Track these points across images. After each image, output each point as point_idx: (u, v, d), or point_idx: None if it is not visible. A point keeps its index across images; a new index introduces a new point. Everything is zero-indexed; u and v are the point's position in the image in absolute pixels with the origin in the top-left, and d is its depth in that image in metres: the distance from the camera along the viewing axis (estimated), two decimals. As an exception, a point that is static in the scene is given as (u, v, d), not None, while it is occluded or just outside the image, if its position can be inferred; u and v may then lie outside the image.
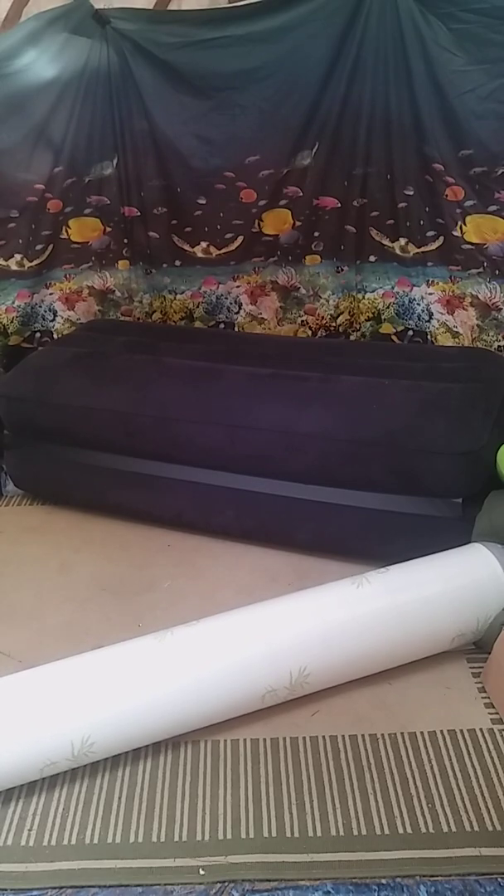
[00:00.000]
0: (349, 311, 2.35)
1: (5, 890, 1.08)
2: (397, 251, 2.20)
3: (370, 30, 1.87)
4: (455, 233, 2.05)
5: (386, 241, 2.20)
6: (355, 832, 1.15)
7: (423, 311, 2.25)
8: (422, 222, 2.11)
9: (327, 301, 2.32)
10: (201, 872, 1.10)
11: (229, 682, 1.28)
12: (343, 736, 1.32)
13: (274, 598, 1.42)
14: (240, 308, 2.40)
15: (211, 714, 1.30)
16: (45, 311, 2.36)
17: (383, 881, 1.07)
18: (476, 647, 1.50)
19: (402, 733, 1.32)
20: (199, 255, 2.32)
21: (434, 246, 2.13)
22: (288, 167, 2.12)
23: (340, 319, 2.35)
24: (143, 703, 1.25)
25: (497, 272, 2.04)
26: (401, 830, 1.15)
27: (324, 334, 2.38)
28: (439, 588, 1.40)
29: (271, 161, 2.11)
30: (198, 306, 2.42)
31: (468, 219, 2.01)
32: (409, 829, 1.15)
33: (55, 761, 1.20)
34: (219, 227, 2.25)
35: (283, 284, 2.35)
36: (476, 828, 1.14)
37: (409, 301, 2.26)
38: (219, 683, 1.28)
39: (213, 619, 1.37)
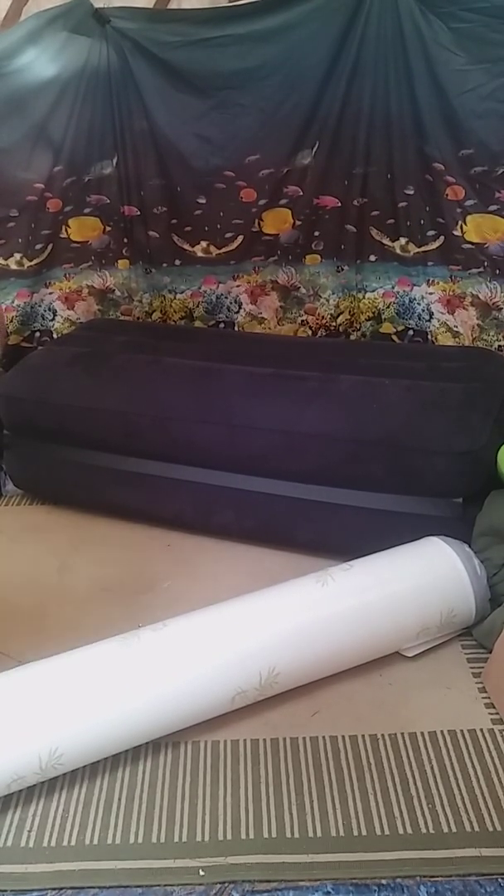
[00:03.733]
0: (349, 311, 2.35)
1: (5, 891, 1.08)
2: (398, 251, 2.20)
3: (370, 29, 1.87)
4: (455, 232, 2.05)
5: (386, 241, 2.20)
6: (355, 832, 1.14)
7: (423, 310, 2.24)
8: (422, 222, 2.11)
9: (327, 301, 2.32)
10: (201, 873, 1.10)
11: (198, 687, 1.27)
12: (343, 736, 1.31)
13: (240, 595, 1.42)
14: (240, 307, 2.40)
15: (180, 719, 1.28)
16: (45, 311, 2.36)
17: (383, 882, 1.07)
18: (479, 648, 1.50)
19: (402, 733, 1.32)
20: (199, 254, 2.32)
21: (434, 245, 2.13)
22: (288, 166, 2.12)
23: (340, 319, 2.35)
24: (111, 710, 1.23)
25: (497, 272, 2.04)
26: (401, 831, 1.14)
27: (324, 334, 2.38)
28: (404, 585, 1.42)
29: (271, 160, 2.11)
30: (198, 306, 2.42)
31: (468, 218, 2.01)
32: (409, 830, 1.14)
33: (22, 776, 1.18)
34: (219, 226, 2.25)
35: (283, 284, 2.35)
36: (476, 828, 1.14)
37: (410, 301, 2.26)
38: (187, 688, 1.27)
39: (180, 619, 1.36)
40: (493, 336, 2.13)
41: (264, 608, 1.38)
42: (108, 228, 2.30)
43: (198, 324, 2.44)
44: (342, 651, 1.38)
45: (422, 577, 1.44)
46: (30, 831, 1.17)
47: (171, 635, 1.33)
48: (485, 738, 1.30)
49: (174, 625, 1.35)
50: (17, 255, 2.21)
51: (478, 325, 2.14)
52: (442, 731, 1.32)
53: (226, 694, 1.29)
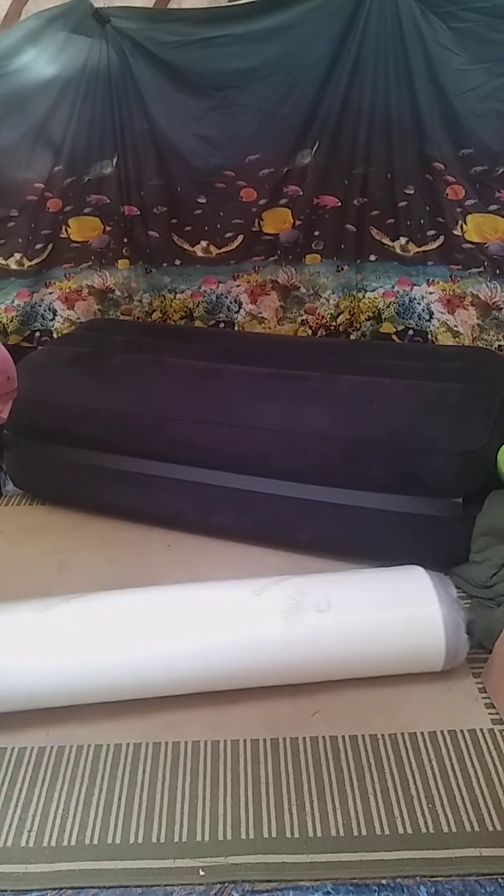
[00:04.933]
0: (349, 311, 2.35)
1: (5, 891, 1.08)
2: (398, 250, 2.20)
3: (370, 29, 1.87)
4: (455, 232, 2.04)
5: (386, 241, 2.20)
6: (355, 832, 1.14)
7: (423, 310, 2.24)
8: (422, 221, 2.11)
9: (327, 300, 2.32)
10: (201, 873, 1.10)
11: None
12: (343, 736, 1.31)
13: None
14: (240, 307, 2.40)
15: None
16: (45, 311, 2.36)
17: (383, 881, 1.07)
18: (479, 648, 1.50)
19: (402, 733, 1.32)
20: (199, 254, 2.32)
21: (434, 245, 2.13)
22: (288, 166, 2.12)
23: (341, 319, 2.35)
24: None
25: (497, 271, 2.04)
26: (401, 831, 1.15)
27: (324, 334, 2.38)
28: (377, 640, 1.36)
29: (271, 160, 2.11)
30: (198, 305, 2.41)
31: (469, 218, 2.01)
32: (409, 830, 1.15)
33: None
34: (219, 226, 2.25)
35: (283, 284, 2.35)
36: (476, 828, 1.14)
37: (410, 300, 2.26)
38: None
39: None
40: (493, 336, 2.13)
41: (225, 646, 1.34)
42: (108, 228, 2.30)
43: (198, 324, 2.44)
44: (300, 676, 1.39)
45: (396, 634, 1.36)
46: (30, 831, 1.17)
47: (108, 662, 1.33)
48: (485, 738, 1.30)
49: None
50: (17, 255, 2.21)
51: (478, 324, 2.14)
52: (442, 731, 1.32)
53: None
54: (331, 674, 1.39)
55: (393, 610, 1.38)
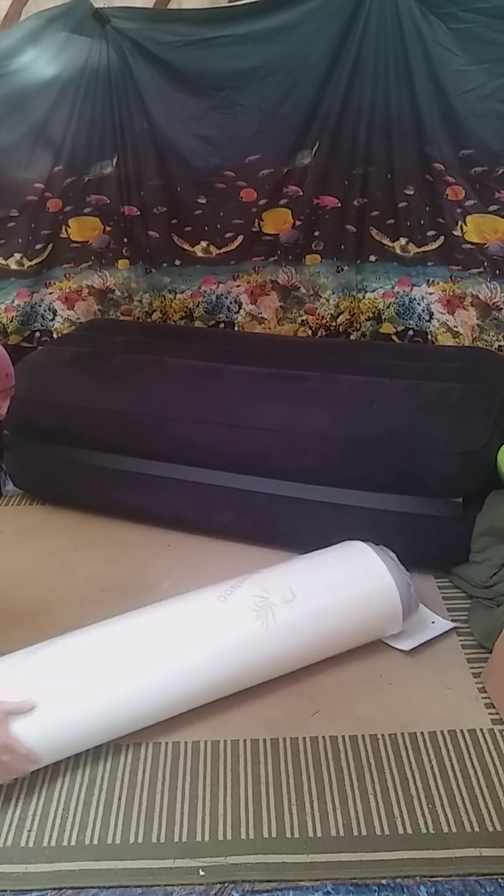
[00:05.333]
0: (349, 311, 2.35)
1: (5, 891, 1.08)
2: (398, 251, 2.20)
3: (370, 29, 1.87)
4: (455, 232, 2.05)
5: (386, 241, 2.20)
6: (355, 832, 1.14)
7: (423, 310, 2.24)
8: (422, 222, 2.11)
9: (327, 301, 2.32)
10: (201, 873, 1.10)
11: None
12: (343, 736, 1.31)
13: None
14: (240, 307, 2.40)
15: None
16: (45, 311, 2.36)
17: (383, 882, 1.07)
18: (479, 648, 1.50)
19: (402, 733, 1.32)
20: (199, 254, 2.32)
21: (434, 245, 2.13)
22: (288, 166, 2.12)
23: (341, 319, 2.35)
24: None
25: (497, 272, 2.04)
26: (401, 831, 1.14)
27: (324, 334, 2.38)
28: (340, 616, 1.42)
29: (271, 160, 2.11)
30: (198, 306, 2.42)
31: (469, 218, 2.01)
32: (409, 830, 1.15)
33: None
34: (219, 226, 2.25)
35: (283, 284, 2.35)
36: (476, 828, 1.14)
37: (410, 301, 2.26)
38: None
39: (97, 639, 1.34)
40: (493, 336, 2.13)
41: (199, 649, 1.33)
42: (108, 228, 2.30)
43: (198, 324, 2.44)
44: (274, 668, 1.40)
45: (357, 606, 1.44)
46: (30, 831, 1.17)
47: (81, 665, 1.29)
48: (485, 738, 1.30)
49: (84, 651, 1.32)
50: (17, 255, 2.21)
51: (478, 325, 2.14)
52: (442, 731, 1.32)
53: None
54: (311, 657, 1.43)
55: (351, 588, 1.45)
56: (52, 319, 2.37)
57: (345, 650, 1.47)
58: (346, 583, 1.45)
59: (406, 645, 1.50)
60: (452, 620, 1.58)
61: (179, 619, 1.39)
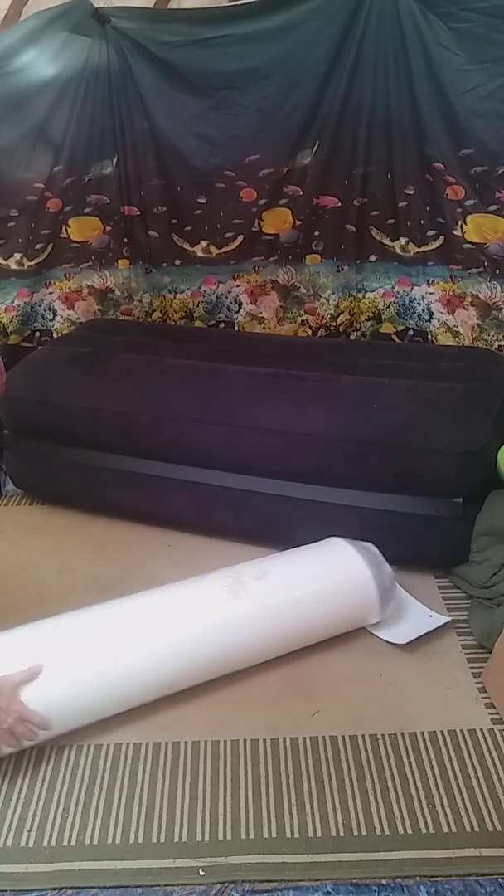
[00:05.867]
0: (349, 311, 2.35)
1: (5, 891, 1.08)
2: (398, 250, 2.20)
3: (370, 29, 1.87)
4: (455, 232, 2.05)
5: (386, 241, 2.20)
6: (355, 832, 1.14)
7: (423, 310, 2.24)
8: (422, 221, 2.11)
9: (327, 300, 2.32)
10: (201, 873, 1.10)
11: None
12: (343, 736, 1.31)
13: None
14: (240, 307, 2.40)
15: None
16: (45, 311, 2.36)
17: (383, 882, 1.07)
18: (479, 647, 1.50)
19: (402, 733, 1.32)
20: (199, 254, 2.32)
21: (434, 245, 2.13)
22: (288, 166, 2.12)
23: (341, 319, 2.35)
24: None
25: (497, 272, 2.04)
26: (401, 831, 1.14)
27: (324, 334, 2.38)
28: (313, 594, 1.46)
29: (271, 160, 2.11)
30: (198, 305, 2.41)
31: (469, 218, 2.01)
32: (409, 830, 1.14)
33: None
34: (219, 226, 2.25)
35: (283, 284, 2.35)
36: (476, 828, 1.14)
37: (410, 300, 2.26)
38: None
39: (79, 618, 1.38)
40: (493, 336, 2.13)
41: (173, 622, 1.39)
42: (108, 228, 2.30)
43: (198, 324, 2.44)
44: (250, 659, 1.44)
45: (337, 595, 1.49)
46: (30, 831, 1.17)
47: (70, 641, 1.33)
48: (485, 738, 1.30)
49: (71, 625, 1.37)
50: (17, 255, 2.21)
51: (478, 325, 2.14)
52: (442, 731, 1.32)
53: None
54: (289, 636, 1.46)
55: (322, 565, 1.52)
56: (52, 319, 2.37)
57: (323, 626, 1.48)
58: (316, 560, 1.53)
59: (401, 638, 1.49)
60: (452, 620, 1.58)
61: (167, 599, 1.44)
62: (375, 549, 1.53)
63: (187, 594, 1.45)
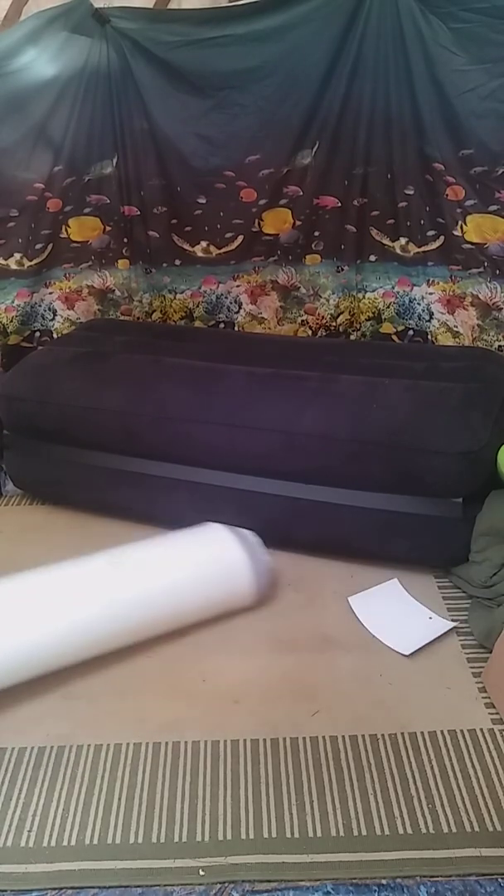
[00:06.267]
0: (349, 311, 2.35)
1: (5, 891, 1.08)
2: (398, 251, 2.20)
3: (370, 29, 1.87)
4: (455, 232, 2.05)
5: (386, 241, 2.20)
6: (355, 832, 1.14)
7: (423, 310, 2.24)
8: (422, 222, 2.11)
9: (327, 301, 2.32)
10: (201, 873, 1.10)
11: None
12: (343, 736, 1.31)
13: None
14: (240, 307, 2.40)
15: None
16: (45, 311, 2.36)
17: (383, 882, 1.07)
18: (479, 647, 1.50)
19: (402, 733, 1.32)
20: (199, 254, 2.32)
21: (434, 245, 2.13)
22: (288, 166, 2.12)
23: (341, 319, 2.35)
24: None
25: (497, 272, 2.04)
26: (401, 831, 1.14)
27: (324, 334, 2.38)
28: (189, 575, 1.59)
29: (271, 160, 2.11)
30: (198, 306, 2.41)
31: (469, 218, 2.01)
32: (409, 830, 1.15)
33: None
34: (219, 226, 2.25)
35: (283, 284, 2.35)
36: (476, 828, 1.14)
37: (410, 301, 2.26)
38: None
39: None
40: (493, 336, 2.13)
41: (58, 603, 1.48)
42: (108, 228, 2.30)
43: (198, 324, 2.44)
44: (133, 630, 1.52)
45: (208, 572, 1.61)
46: (30, 831, 1.17)
47: None
48: (485, 738, 1.30)
49: None
50: (17, 255, 2.21)
51: (478, 325, 2.14)
52: (442, 731, 1.32)
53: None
54: (167, 614, 1.55)
55: (193, 536, 1.65)
56: (52, 319, 2.37)
57: (199, 605, 1.57)
58: (195, 543, 1.65)
59: (406, 648, 1.49)
60: (452, 620, 1.58)
61: (51, 577, 1.56)
62: (253, 536, 1.63)
63: (72, 573, 1.54)
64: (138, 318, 2.46)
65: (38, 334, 2.37)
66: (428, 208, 2.07)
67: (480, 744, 1.29)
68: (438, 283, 2.18)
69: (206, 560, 1.61)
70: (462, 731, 1.32)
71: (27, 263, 2.23)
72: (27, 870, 1.11)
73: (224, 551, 1.60)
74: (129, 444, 1.86)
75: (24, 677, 1.40)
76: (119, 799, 1.22)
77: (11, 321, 2.28)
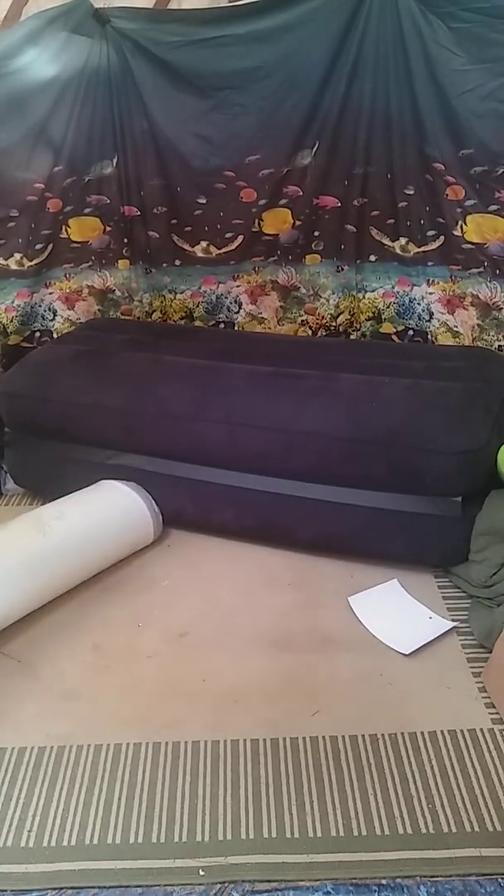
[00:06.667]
0: (349, 311, 2.35)
1: (5, 891, 1.08)
2: (398, 251, 2.20)
3: (370, 29, 1.87)
4: (455, 232, 2.04)
5: (386, 241, 2.20)
6: (355, 832, 1.14)
7: (423, 310, 2.24)
8: (422, 222, 2.11)
9: (327, 301, 2.32)
10: (201, 873, 1.10)
11: None
12: (343, 736, 1.31)
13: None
14: (240, 308, 2.40)
15: None
16: (45, 311, 2.36)
17: (383, 882, 1.07)
18: (479, 647, 1.50)
19: (402, 733, 1.32)
20: (199, 254, 2.32)
21: (434, 245, 2.13)
22: (288, 166, 2.12)
23: (341, 319, 2.35)
24: None
25: (497, 272, 2.04)
26: (401, 831, 1.14)
27: (324, 334, 2.37)
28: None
29: (271, 160, 2.11)
30: (198, 306, 2.41)
31: (469, 218, 2.01)
32: (409, 830, 1.15)
33: None
34: (219, 226, 2.25)
35: (283, 284, 2.35)
36: (476, 828, 1.14)
37: (410, 301, 2.26)
38: None
39: None
40: (493, 336, 2.13)
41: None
42: (108, 228, 2.30)
43: (198, 324, 2.44)
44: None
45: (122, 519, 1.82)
46: (30, 831, 1.17)
47: None
48: (485, 738, 1.30)
49: None
50: (17, 255, 2.21)
51: (478, 325, 2.14)
52: (442, 731, 1.32)
53: None
54: (91, 557, 1.74)
55: (98, 489, 1.85)
56: (53, 319, 2.37)
57: (115, 547, 1.78)
58: (101, 497, 1.83)
59: (406, 648, 1.49)
60: (452, 620, 1.58)
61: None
62: (142, 490, 1.83)
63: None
64: (138, 318, 2.46)
65: (38, 334, 2.37)
66: (428, 208, 2.07)
67: (480, 744, 1.29)
68: (438, 283, 2.18)
69: (107, 506, 1.83)
70: (462, 730, 1.32)
71: (27, 263, 2.23)
72: (27, 870, 1.11)
73: (120, 495, 1.83)
74: (130, 441, 1.86)
75: None
76: (119, 799, 1.22)
77: (11, 321, 2.28)
